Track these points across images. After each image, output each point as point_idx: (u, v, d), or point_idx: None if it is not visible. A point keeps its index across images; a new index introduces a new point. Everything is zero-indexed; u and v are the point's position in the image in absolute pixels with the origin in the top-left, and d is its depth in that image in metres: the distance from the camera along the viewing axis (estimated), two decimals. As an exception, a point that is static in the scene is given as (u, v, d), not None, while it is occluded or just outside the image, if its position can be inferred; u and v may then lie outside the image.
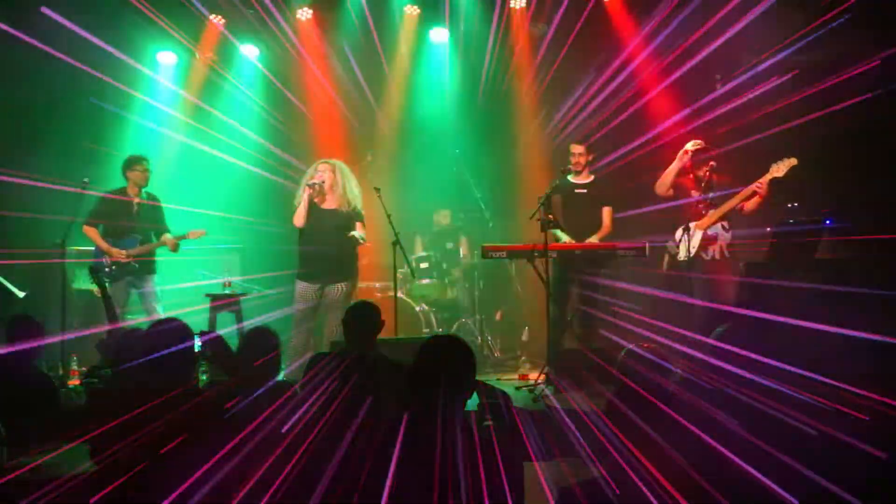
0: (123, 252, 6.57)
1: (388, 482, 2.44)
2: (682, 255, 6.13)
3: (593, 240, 6.33)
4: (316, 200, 6.16)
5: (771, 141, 6.21)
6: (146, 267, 6.70)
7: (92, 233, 6.64)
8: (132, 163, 6.72)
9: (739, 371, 2.68)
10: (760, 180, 5.85)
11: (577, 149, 6.51)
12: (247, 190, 8.21)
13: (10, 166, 6.71)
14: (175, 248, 6.77)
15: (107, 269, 6.51)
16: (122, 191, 6.73)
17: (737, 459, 2.34)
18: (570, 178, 6.55)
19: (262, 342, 3.67)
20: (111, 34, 7.26)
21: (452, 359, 2.69)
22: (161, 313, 6.54)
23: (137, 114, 8.10)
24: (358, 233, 6.12)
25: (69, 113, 7.66)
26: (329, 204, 6.18)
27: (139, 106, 8.11)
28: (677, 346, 4.22)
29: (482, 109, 8.46)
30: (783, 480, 2.27)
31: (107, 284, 6.12)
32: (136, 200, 6.73)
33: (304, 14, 8.24)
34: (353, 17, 8.01)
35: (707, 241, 6.10)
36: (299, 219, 6.12)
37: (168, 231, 6.82)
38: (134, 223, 6.67)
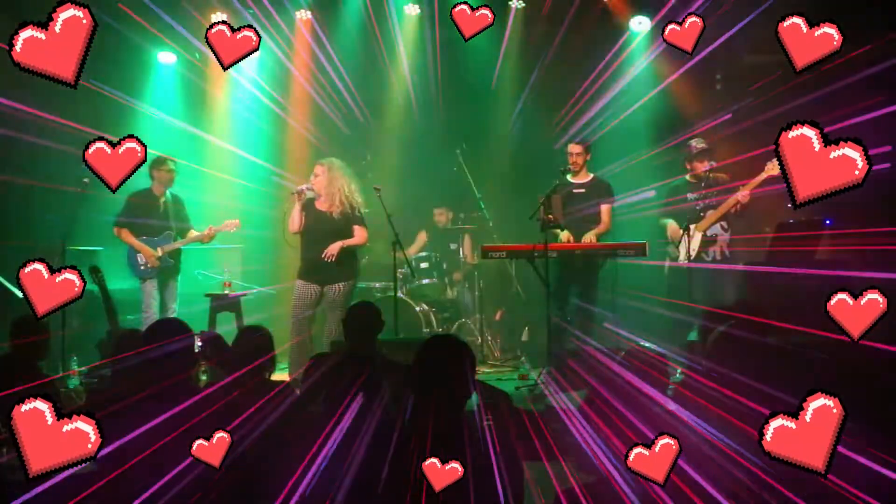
0: (158, 250, 6.56)
1: (387, 482, 2.44)
2: (682, 257, 6.12)
3: (591, 236, 6.33)
4: (315, 202, 6.10)
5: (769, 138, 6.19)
6: (176, 266, 6.73)
7: (124, 234, 6.60)
8: (158, 163, 6.67)
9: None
10: (744, 190, 5.90)
11: (575, 148, 6.51)
12: (248, 189, 8.19)
13: (10, 166, 6.70)
14: (209, 240, 6.77)
15: (142, 268, 6.55)
16: (149, 191, 6.68)
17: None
18: (569, 177, 6.55)
19: (255, 340, 3.66)
20: (111, 32, 7.23)
21: (452, 359, 2.69)
22: (176, 312, 6.59)
23: (138, 111, 8.08)
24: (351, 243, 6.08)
25: (69, 111, 7.63)
26: (324, 206, 6.08)
27: (140, 103, 8.10)
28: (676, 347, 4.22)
29: (482, 109, 8.45)
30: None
31: (107, 284, 6.11)
32: (163, 200, 6.70)
33: (303, 14, 8.23)
34: (352, 18, 8.00)
35: (707, 243, 6.10)
36: (292, 225, 6.07)
37: (193, 229, 6.81)
38: (164, 222, 6.65)
